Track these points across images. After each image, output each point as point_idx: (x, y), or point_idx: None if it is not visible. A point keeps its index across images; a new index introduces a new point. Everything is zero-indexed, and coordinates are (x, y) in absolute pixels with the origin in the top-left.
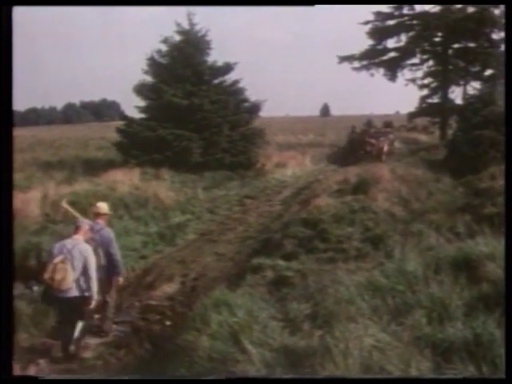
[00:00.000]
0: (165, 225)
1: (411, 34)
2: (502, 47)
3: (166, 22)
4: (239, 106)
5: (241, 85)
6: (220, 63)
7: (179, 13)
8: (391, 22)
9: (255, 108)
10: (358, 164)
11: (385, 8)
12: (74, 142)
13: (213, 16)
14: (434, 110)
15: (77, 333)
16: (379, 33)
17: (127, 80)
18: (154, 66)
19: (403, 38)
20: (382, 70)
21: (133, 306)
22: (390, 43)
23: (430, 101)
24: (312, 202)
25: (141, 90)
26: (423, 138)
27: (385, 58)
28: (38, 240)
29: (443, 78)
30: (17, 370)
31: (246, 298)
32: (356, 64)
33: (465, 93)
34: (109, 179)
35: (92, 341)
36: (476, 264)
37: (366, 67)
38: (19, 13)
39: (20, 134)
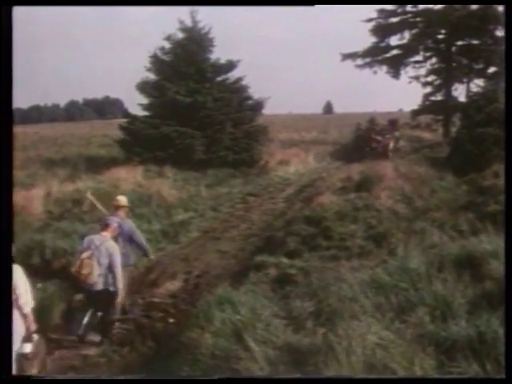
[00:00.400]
0: (168, 222)
1: (414, 31)
2: None
3: (169, 20)
4: (242, 103)
5: (244, 82)
6: (223, 61)
7: (182, 10)
8: (394, 20)
9: (258, 105)
10: (363, 161)
11: (388, 5)
12: (76, 139)
13: (215, 13)
14: (437, 108)
15: (85, 319)
16: (382, 30)
17: (130, 78)
18: (157, 63)
19: (406, 35)
20: (385, 68)
21: (136, 304)
22: (393, 40)
23: (433, 98)
24: (315, 200)
25: (144, 87)
26: (426, 135)
27: (388, 55)
28: (41, 237)
29: (446, 75)
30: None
31: (249, 296)
32: (359, 61)
33: (468, 90)
34: (112, 177)
35: (95, 338)
36: (479, 262)
37: (369, 65)
38: (23, 12)
39: (23, 132)
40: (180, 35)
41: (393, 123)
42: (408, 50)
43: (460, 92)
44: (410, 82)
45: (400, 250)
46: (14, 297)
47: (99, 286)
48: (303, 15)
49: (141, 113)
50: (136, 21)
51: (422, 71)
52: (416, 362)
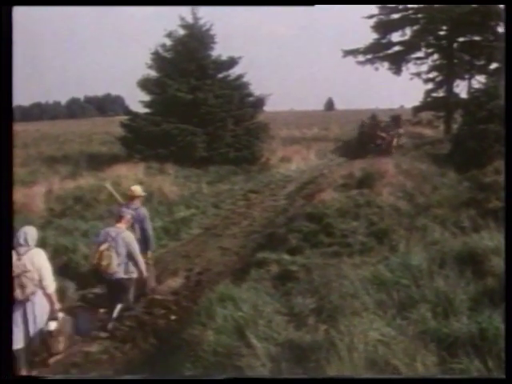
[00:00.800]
0: (169, 219)
1: (416, 27)
2: None
3: (171, 17)
4: (243, 100)
5: (245, 79)
6: (224, 57)
7: (183, 7)
8: (396, 16)
9: (260, 102)
10: (366, 157)
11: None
12: (78, 136)
13: (217, 10)
14: (438, 104)
15: (115, 313)
16: (384, 26)
17: (131, 75)
18: (158, 60)
19: (408, 31)
20: (386, 64)
21: (138, 301)
22: (395, 37)
23: (434, 95)
24: (317, 197)
25: (145, 84)
26: (428, 132)
27: (389, 51)
28: (42, 235)
29: (448, 71)
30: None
31: (250, 293)
32: (360, 58)
33: (470, 87)
34: (113, 174)
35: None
36: (481, 258)
37: (371, 61)
38: (25, 8)
39: (24, 129)
40: (181, 32)
41: (396, 120)
42: (409, 47)
43: (461, 88)
44: (411, 79)
45: (402, 247)
46: (38, 278)
47: (120, 275)
48: (305, 12)
49: (142, 110)
50: (137, 18)
51: (424, 68)
52: (418, 359)
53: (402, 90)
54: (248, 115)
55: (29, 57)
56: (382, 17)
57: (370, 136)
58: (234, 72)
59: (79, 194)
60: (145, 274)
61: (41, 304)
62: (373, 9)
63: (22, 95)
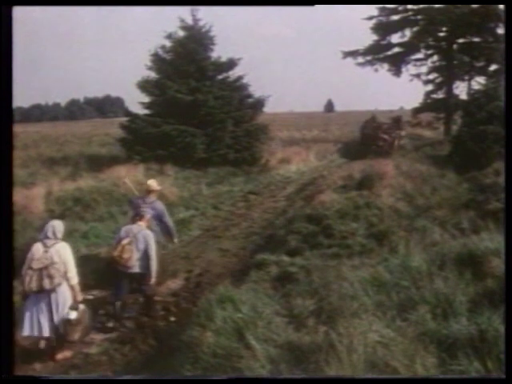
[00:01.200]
0: None
1: (415, 29)
2: None
3: (170, 18)
4: (243, 101)
5: (245, 80)
6: (224, 59)
7: (183, 8)
8: (395, 17)
9: (259, 104)
10: (366, 159)
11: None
12: (78, 138)
13: (216, 11)
14: (438, 106)
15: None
16: (383, 28)
17: (131, 76)
18: (158, 61)
19: (407, 33)
20: (386, 66)
21: (137, 302)
22: (395, 38)
23: (434, 96)
24: (316, 198)
25: (145, 86)
26: (428, 133)
27: (389, 53)
28: None
29: (448, 73)
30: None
31: (250, 294)
32: (360, 59)
33: (469, 88)
34: (113, 175)
35: (97, 336)
36: (481, 260)
37: (371, 62)
38: (25, 8)
39: (24, 130)
40: (181, 33)
41: (397, 121)
42: (409, 48)
43: (461, 90)
44: (411, 80)
45: (401, 248)
46: (63, 270)
47: (136, 269)
48: (304, 13)
49: (142, 111)
50: (137, 19)
51: (423, 69)
52: (417, 360)
53: (402, 91)
54: (248, 116)
55: (29, 58)
56: (381, 18)
57: (371, 138)
58: (234, 73)
59: (79, 196)
60: (154, 273)
61: (64, 294)
62: (372, 10)
63: (22, 96)
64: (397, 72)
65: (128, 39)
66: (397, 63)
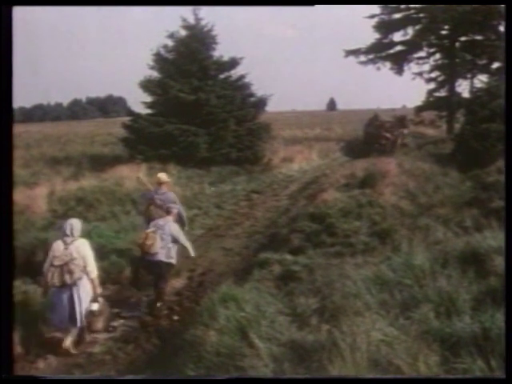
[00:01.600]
0: None
1: (418, 27)
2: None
3: (172, 18)
4: (245, 100)
5: (247, 79)
6: (226, 58)
7: (185, 8)
8: (398, 16)
9: (261, 103)
10: (369, 157)
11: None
12: (80, 137)
13: (218, 11)
14: (441, 104)
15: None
16: (385, 26)
17: (133, 76)
18: (160, 61)
19: (410, 31)
20: (388, 64)
21: (140, 301)
22: (397, 37)
23: (437, 94)
24: (319, 197)
25: (147, 85)
26: (430, 131)
27: (391, 51)
28: (45, 236)
29: (450, 71)
30: (24, 366)
31: (253, 293)
32: (362, 58)
33: (472, 86)
34: (115, 175)
35: (100, 335)
36: (484, 258)
37: (373, 61)
38: (25, 8)
39: (26, 130)
40: (183, 33)
41: (401, 120)
42: (411, 46)
43: (464, 88)
44: (413, 79)
45: (404, 247)
46: (83, 265)
47: (161, 257)
48: (306, 12)
49: (144, 111)
50: (139, 19)
51: (426, 67)
52: (420, 359)
53: (404, 89)
54: (250, 115)
55: (30, 58)
56: (383, 16)
57: (374, 136)
58: (236, 72)
59: (81, 195)
60: (192, 254)
61: (85, 288)
62: (374, 8)
63: (24, 96)
64: (399, 70)
65: (129, 39)
66: (399, 61)
